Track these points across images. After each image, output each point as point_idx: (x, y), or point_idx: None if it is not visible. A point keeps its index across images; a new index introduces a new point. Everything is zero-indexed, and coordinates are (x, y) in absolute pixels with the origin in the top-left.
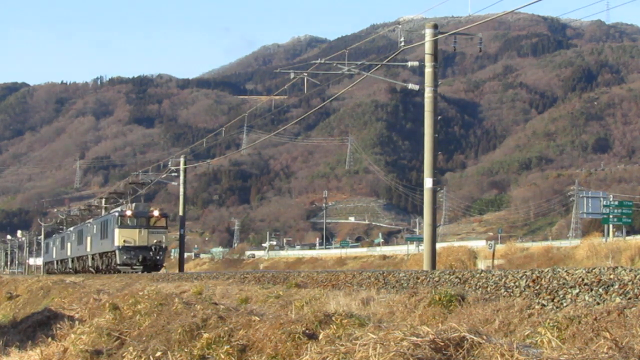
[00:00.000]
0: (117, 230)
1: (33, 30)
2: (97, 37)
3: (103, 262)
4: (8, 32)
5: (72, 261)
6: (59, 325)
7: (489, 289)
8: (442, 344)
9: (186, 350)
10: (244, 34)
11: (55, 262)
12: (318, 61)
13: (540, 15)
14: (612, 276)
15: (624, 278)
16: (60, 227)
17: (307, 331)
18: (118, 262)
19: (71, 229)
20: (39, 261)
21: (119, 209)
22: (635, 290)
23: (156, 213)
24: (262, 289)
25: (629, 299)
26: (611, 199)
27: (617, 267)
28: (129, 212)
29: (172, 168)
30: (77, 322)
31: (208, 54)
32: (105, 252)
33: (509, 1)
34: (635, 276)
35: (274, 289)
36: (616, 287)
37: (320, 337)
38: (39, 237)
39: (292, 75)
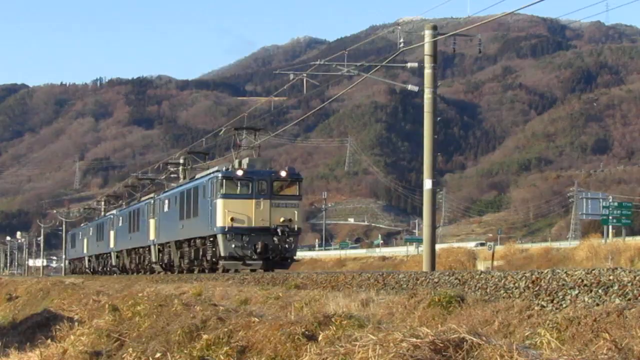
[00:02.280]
0: (220, 203)
1: (33, 31)
2: (97, 38)
3: (185, 255)
4: (8, 33)
5: (120, 256)
6: (58, 327)
7: (488, 290)
8: (442, 345)
9: (186, 351)
10: (244, 35)
11: (85, 260)
12: (317, 62)
13: (539, 16)
14: (611, 277)
15: (623, 279)
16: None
17: (306, 332)
18: (222, 253)
19: (114, 211)
20: (38, 262)
21: (216, 167)
22: (635, 292)
23: (283, 173)
24: (261, 290)
25: (629, 300)
26: (611, 200)
27: (616, 268)
28: (239, 172)
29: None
30: (76, 324)
31: (208, 55)
32: (189, 238)
33: (508, 2)
34: (635, 277)
35: (274, 290)
36: (615, 288)
37: (320, 338)
38: (38, 239)
39: (291, 77)
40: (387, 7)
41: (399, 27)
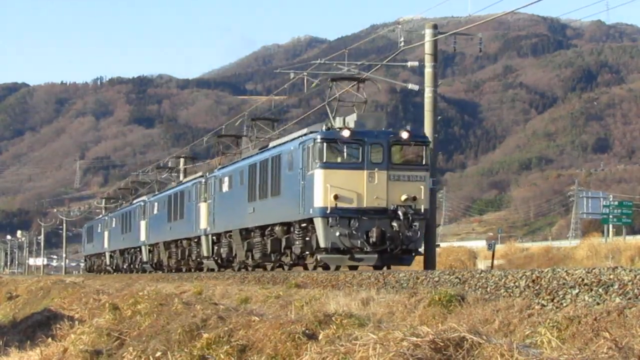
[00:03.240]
0: (319, 175)
1: (33, 30)
2: (98, 37)
3: (255, 248)
4: (8, 32)
5: (154, 250)
6: (58, 326)
7: (488, 289)
8: (442, 344)
9: (186, 350)
10: (244, 34)
11: (107, 256)
12: (318, 61)
13: (540, 15)
14: (611, 276)
15: (623, 278)
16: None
17: (307, 331)
18: (322, 244)
19: (146, 197)
20: (39, 261)
21: (304, 130)
22: (635, 291)
23: (405, 134)
24: (262, 289)
25: (629, 299)
26: (611, 199)
27: (616, 267)
28: (345, 133)
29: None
30: (77, 323)
31: (208, 54)
32: (265, 226)
33: (509, 1)
34: (635, 276)
35: (274, 289)
36: (616, 287)
37: (320, 337)
38: (38, 238)
39: (292, 76)
40: (387, 6)
41: (400, 26)
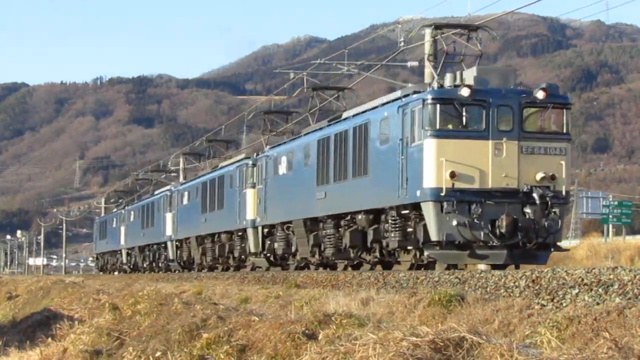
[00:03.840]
0: (431, 146)
1: (33, 30)
2: (97, 37)
3: (327, 242)
4: (8, 32)
5: (182, 246)
6: (58, 326)
7: (488, 289)
8: (442, 344)
9: (186, 350)
10: (244, 34)
11: (123, 253)
12: (318, 61)
13: (539, 15)
14: (611, 276)
15: (623, 278)
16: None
17: (306, 331)
18: (434, 236)
19: (171, 186)
20: (39, 261)
21: (410, 88)
22: (635, 291)
23: (541, 94)
24: (261, 289)
25: (629, 299)
26: (611, 199)
27: (616, 268)
28: (464, 91)
29: (172, 168)
30: (76, 322)
31: (208, 54)
32: (342, 214)
33: (509, 1)
34: (635, 276)
35: (274, 289)
36: (616, 287)
37: (320, 337)
38: (38, 237)
39: (291, 76)
40: (387, 6)
41: (400, 26)
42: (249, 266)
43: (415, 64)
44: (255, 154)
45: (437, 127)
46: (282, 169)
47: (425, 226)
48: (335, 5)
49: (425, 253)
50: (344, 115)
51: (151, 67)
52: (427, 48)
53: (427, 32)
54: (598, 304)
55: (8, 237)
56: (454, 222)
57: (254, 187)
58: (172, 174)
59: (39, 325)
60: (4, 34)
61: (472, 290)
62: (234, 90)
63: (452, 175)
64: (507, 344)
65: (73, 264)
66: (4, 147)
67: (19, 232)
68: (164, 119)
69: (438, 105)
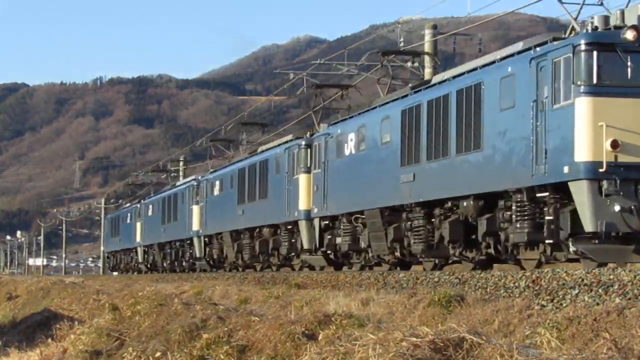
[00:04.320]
0: (586, 104)
1: (33, 30)
2: (97, 37)
3: (402, 235)
4: (8, 32)
5: (212, 243)
6: (58, 326)
7: (488, 289)
8: (442, 344)
9: (186, 350)
10: (244, 34)
11: (139, 251)
12: (317, 61)
13: (540, 15)
14: (611, 277)
15: (623, 279)
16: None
17: (306, 332)
18: (590, 226)
19: (198, 175)
20: (39, 262)
21: (534, 38)
22: (635, 291)
23: None
24: (261, 290)
25: (629, 299)
26: None
27: (616, 268)
28: (629, 34)
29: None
30: (76, 323)
31: (208, 54)
32: (429, 202)
33: (509, 1)
34: (635, 277)
35: (274, 290)
36: (616, 287)
37: (320, 337)
38: (38, 238)
39: (291, 76)
40: (387, 6)
41: (399, 26)
42: (298, 265)
43: (415, 64)
44: (308, 133)
45: (594, 81)
46: (349, 148)
47: (573, 213)
48: (335, 5)
49: (572, 248)
50: (435, 79)
51: (151, 67)
52: (427, 47)
53: (427, 32)
54: (598, 304)
55: (8, 237)
56: (617, 208)
57: (308, 172)
58: (173, 175)
59: (38, 326)
60: (4, 34)
61: (472, 290)
62: (234, 90)
63: (615, 145)
64: (507, 345)
65: (73, 264)
66: (4, 147)
67: (18, 233)
68: (164, 120)
69: (595, 53)
